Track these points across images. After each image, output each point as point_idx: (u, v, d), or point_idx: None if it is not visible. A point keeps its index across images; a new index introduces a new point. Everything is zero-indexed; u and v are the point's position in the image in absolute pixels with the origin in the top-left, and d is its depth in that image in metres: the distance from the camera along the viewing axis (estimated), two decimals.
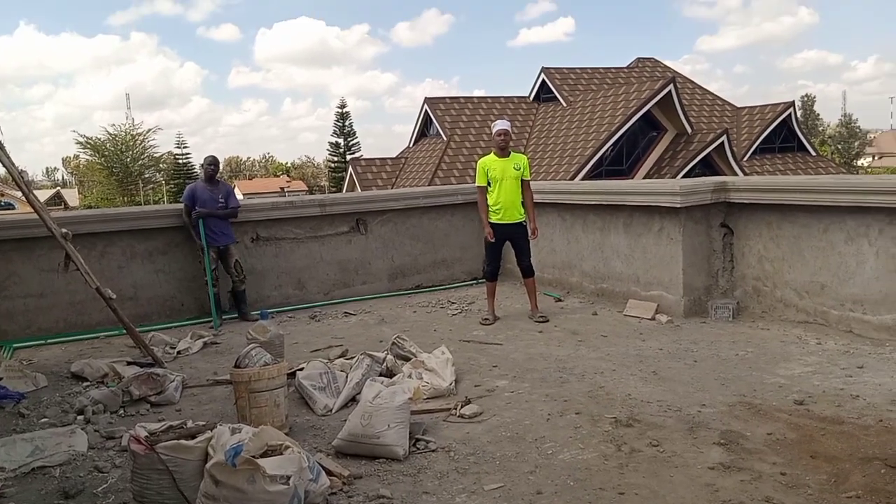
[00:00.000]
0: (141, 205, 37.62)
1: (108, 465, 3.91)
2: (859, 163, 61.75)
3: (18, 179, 5.82)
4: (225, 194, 7.36)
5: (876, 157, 70.25)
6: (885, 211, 5.46)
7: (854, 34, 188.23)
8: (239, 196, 7.94)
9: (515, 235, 6.90)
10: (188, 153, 50.55)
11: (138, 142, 46.63)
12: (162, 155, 50.17)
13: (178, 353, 6.27)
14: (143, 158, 47.55)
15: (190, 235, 7.50)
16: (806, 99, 67.41)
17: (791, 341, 5.76)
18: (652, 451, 3.82)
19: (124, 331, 6.14)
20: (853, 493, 3.25)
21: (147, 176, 49.33)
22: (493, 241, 6.82)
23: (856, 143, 65.16)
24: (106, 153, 45.20)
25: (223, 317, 7.37)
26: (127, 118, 55.72)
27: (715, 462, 3.65)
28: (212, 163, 7.50)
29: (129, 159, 45.82)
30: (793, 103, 31.45)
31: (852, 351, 5.41)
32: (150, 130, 47.48)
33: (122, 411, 4.81)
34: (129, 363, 5.70)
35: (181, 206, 7.40)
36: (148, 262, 7.42)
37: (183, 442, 3.08)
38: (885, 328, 5.54)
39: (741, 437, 3.94)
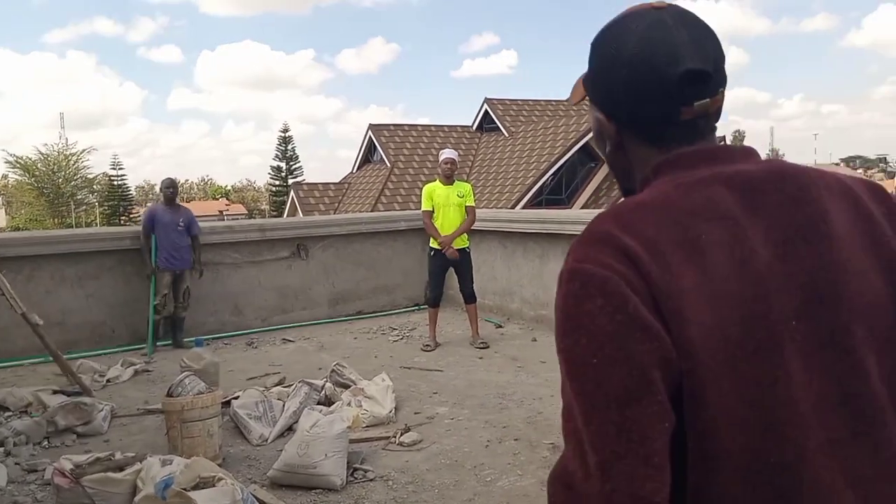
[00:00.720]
0: (72, 227, 36.36)
1: (29, 500, 3.72)
2: None
3: None
4: (186, 220, 7.22)
5: None
6: None
7: (781, 74, 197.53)
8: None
9: (459, 261, 6.94)
10: (124, 175, 49.20)
11: (71, 162, 45.17)
12: (96, 176, 48.71)
13: (108, 381, 6.05)
14: (76, 179, 46.03)
15: (124, 259, 7.29)
16: (737, 134, 70.52)
17: None
18: None
19: (51, 358, 5.90)
20: None
21: (80, 197, 47.76)
22: (448, 251, 6.80)
23: None
24: (37, 173, 43.62)
25: (157, 344, 7.16)
26: (61, 138, 54.04)
27: None
28: (169, 185, 7.37)
29: (61, 180, 44.31)
30: (724, 138, 32.75)
31: None
32: (84, 151, 46.02)
33: (46, 443, 4.60)
34: (54, 392, 5.46)
35: (114, 230, 7.24)
36: (78, 286, 7.16)
37: (110, 475, 2.97)
38: None
39: None
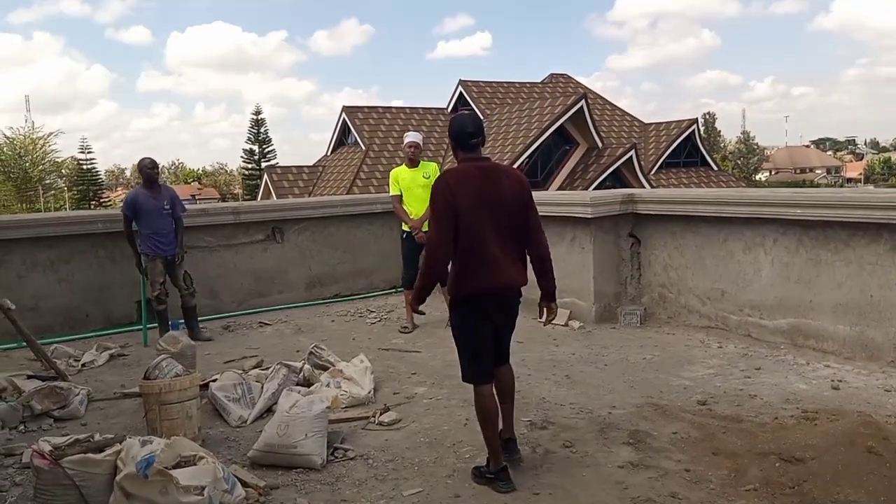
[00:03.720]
0: (41, 211, 35.69)
1: (7, 484, 3.71)
2: (757, 177, 65.35)
3: None
4: (170, 200, 6.75)
5: (772, 172, 74.55)
6: (779, 222, 5.83)
7: (752, 57, 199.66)
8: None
9: None
10: (93, 158, 48.38)
11: (38, 146, 44.26)
12: (65, 160, 47.83)
13: (83, 365, 6.01)
14: (44, 163, 45.14)
15: (97, 243, 7.21)
16: (708, 116, 71.05)
17: (694, 345, 6.05)
18: (565, 452, 3.95)
19: (24, 343, 5.83)
20: (751, 486, 3.45)
21: (48, 182, 46.86)
22: (416, 235, 6.83)
23: (754, 159, 69.01)
24: (2, 157, 42.68)
25: (143, 329, 6.97)
26: (27, 121, 52.88)
27: (624, 461, 3.80)
28: (152, 166, 6.77)
29: (28, 164, 43.41)
30: (696, 120, 33.08)
31: (750, 353, 5.74)
32: (51, 134, 45.12)
33: (22, 427, 4.58)
34: (29, 377, 5.41)
35: (86, 213, 7.07)
36: (50, 271, 7.08)
37: (90, 455, 2.97)
38: (779, 332, 5.90)
39: (648, 436, 4.11)
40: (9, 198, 42.58)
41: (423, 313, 4.22)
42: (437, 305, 7.80)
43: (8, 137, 42.90)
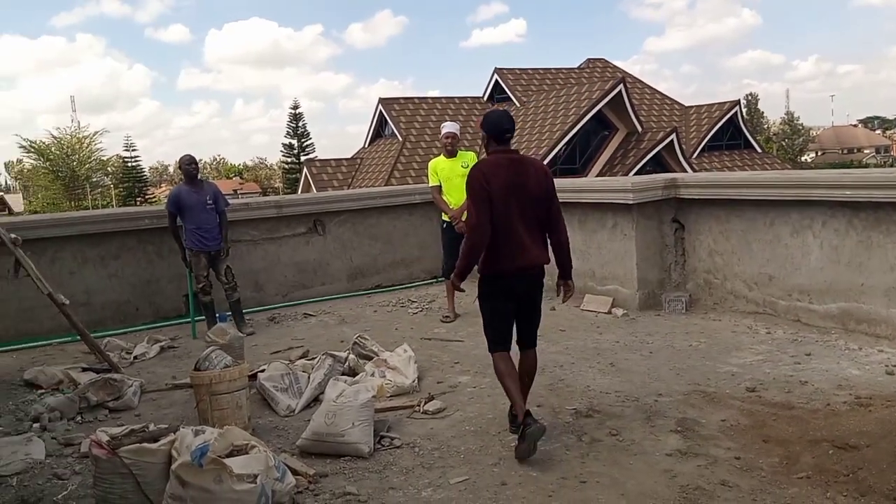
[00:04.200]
0: (89, 209, 36.67)
1: (68, 472, 3.84)
2: (803, 159, 63.80)
3: None
4: (213, 195, 6.83)
5: (818, 154, 72.62)
6: (828, 204, 5.69)
7: (795, 35, 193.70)
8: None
9: None
10: (137, 156, 49.46)
11: (85, 145, 45.42)
12: (110, 158, 49.01)
13: (135, 358, 6.18)
14: (91, 162, 46.33)
15: (144, 238, 7.37)
16: (750, 97, 69.39)
17: (742, 331, 5.95)
18: (612, 441, 3.93)
19: (78, 337, 6.02)
20: (804, 474, 3.39)
21: (95, 180, 48.09)
22: (456, 225, 6.84)
23: (799, 140, 67.28)
24: (51, 157, 43.90)
25: (191, 321, 7.11)
26: (72, 121, 54.28)
27: (672, 449, 3.77)
28: (190, 162, 6.89)
29: (75, 163, 44.59)
30: (738, 102, 32.37)
31: (800, 339, 5.62)
32: (96, 133, 46.31)
33: (79, 418, 4.72)
34: (84, 369, 5.60)
35: (133, 210, 7.23)
36: (100, 266, 7.27)
37: (146, 445, 3.06)
38: (830, 316, 5.77)
39: (696, 424, 4.07)
40: (58, 196, 43.84)
41: (464, 290, 4.29)
42: (476, 294, 7.82)
43: (55, 137, 44.15)
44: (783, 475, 3.41)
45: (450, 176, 6.88)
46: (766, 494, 3.25)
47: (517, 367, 4.03)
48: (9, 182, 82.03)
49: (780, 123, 70.81)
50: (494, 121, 4.00)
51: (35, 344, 6.74)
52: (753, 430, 3.93)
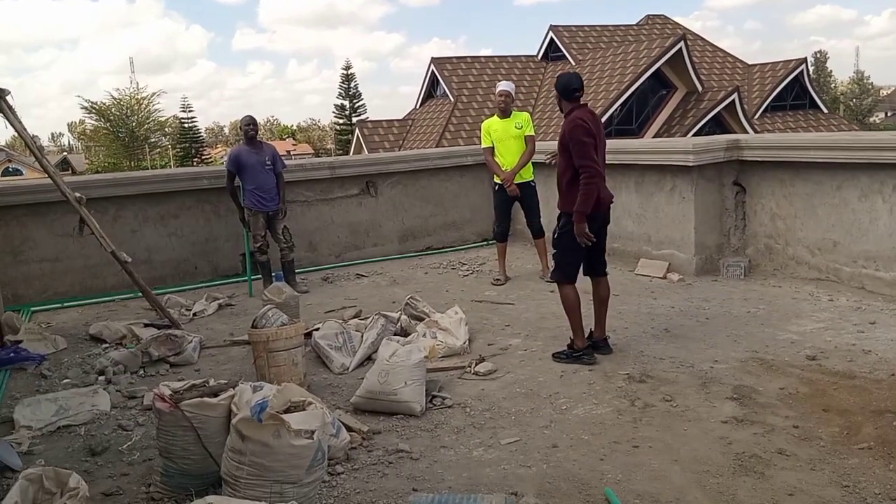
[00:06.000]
0: (147, 169, 37.58)
1: (132, 424, 4.01)
2: (871, 120, 60.95)
3: (31, 145, 5.83)
4: (271, 157, 6.91)
5: (887, 114, 69.28)
6: None
7: None
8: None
9: (524, 196, 6.89)
10: (193, 117, 50.17)
11: (143, 106, 46.31)
12: (167, 119, 49.91)
13: (194, 314, 6.35)
14: (149, 123, 47.27)
15: (202, 198, 7.52)
16: (819, 55, 66.32)
17: (803, 298, 5.78)
18: (665, 406, 3.88)
19: (139, 293, 6.21)
20: (865, 445, 3.30)
21: (153, 140, 49.12)
22: (508, 187, 6.78)
23: (868, 100, 64.24)
24: (111, 118, 44.94)
25: (248, 280, 7.24)
26: (131, 82, 55.33)
27: (728, 416, 3.70)
28: (249, 122, 6.94)
29: (134, 124, 45.56)
30: (805, 60, 30.96)
31: (864, 307, 5.43)
32: (154, 94, 47.09)
33: (141, 371, 4.90)
34: (146, 325, 5.79)
35: (192, 170, 7.34)
36: (160, 225, 7.46)
37: (207, 399, 3.14)
38: None
39: (753, 391, 3.98)
40: (118, 156, 44.99)
41: (593, 239, 4.60)
42: (528, 258, 7.78)
43: (115, 98, 45.06)
44: (844, 445, 3.33)
45: (503, 137, 6.79)
46: (825, 464, 3.18)
47: (596, 295, 4.78)
48: (72, 142, 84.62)
49: (849, 83, 67.69)
50: (565, 82, 4.62)
51: (99, 300, 6.99)
52: (813, 399, 3.84)
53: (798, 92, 30.04)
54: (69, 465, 3.45)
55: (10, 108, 5.57)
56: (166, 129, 50.61)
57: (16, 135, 5.91)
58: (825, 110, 31.36)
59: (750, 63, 31.96)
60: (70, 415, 4.09)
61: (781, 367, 4.33)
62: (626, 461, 3.32)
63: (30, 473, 2.62)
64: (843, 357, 4.44)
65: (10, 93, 5.61)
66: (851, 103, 61.12)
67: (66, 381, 4.77)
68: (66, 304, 6.87)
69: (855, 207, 5.80)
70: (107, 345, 5.51)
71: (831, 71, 67.28)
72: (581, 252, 4.60)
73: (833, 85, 66.10)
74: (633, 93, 24.15)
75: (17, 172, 42.83)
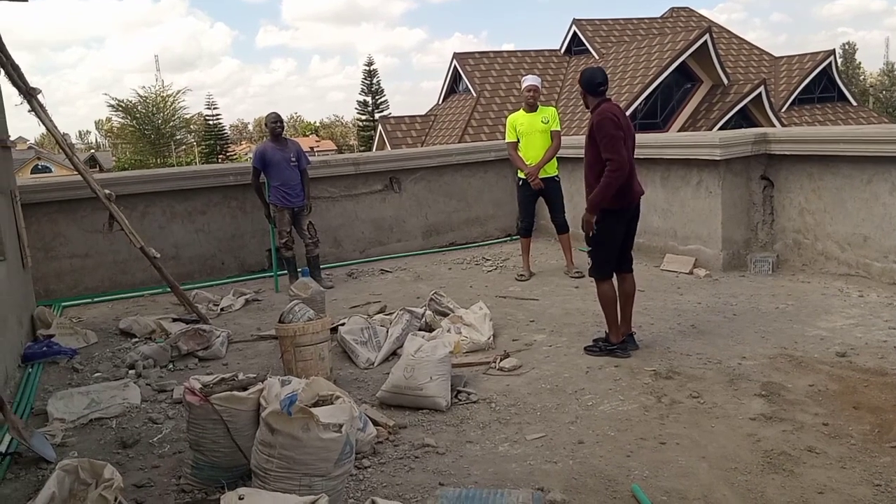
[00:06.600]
0: (174, 166, 37.98)
1: (162, 417, 4.07)
2: None
3: (62, 142, 5.94)
4: (296, 154, 6.96)
5: None
6: None
7: None
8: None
9: (548, 191, 6.87)
10: (218, 114, 50.73)
11: (169, 103, 46.80)
12: (192, 116, 50.37)
13: (222, 309, 6.42)
14: (174, 120, 47.75)
15: (229, 195, 7.60)
16: (847, 47, 65.20)
17: (832, 294, 5.70)
18: (692, 403, 3.86)
19: (168, 289, 6.30)
20: None
21: (178, 137, 49.62)
22: (532, 182, 6.76)
23: None
24: (137, 115, 45.47)
25: (274, 275, 7.28)
26: (157, 80, 55.91)
27: (756, 413, 3.67)
28: (275, 120, 6.98)
29: (160, 121, 46.06)
30: (833, 52, 30.45)
31: (895, 303, 5.35)
32: (179, 92, 47.66)
33: (171, 366, 4.97)
34: (174, 320, 5.87)
35: (218, 167, 7.42)
36: (188, 221, 7.55)
37: (236, 393, 3.18)
38: None
39: (782, 388, 3.95)
40: (144, 153, 45.53)
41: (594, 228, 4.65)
42: (552, 254, 7.76)
43: (141, 96, 45.56)
44: (874, 443, 3.28)
45: (529, 131, 6.78)
46: (855, 462, 3.14)
47: (622, 290, 4.74)
48: (99, 140, 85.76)
49: (878, 74, 66.43)
50: (589, 76, 4.58)
51: (128, 295, 7.10)
52: (843, 396, 3.79)
53: (826, 84, 29.56)
54: (101, 457, 3.52)
55: (41, 106, 5.67)
56: (191, 127, 51.10)
57: (45, 133, 6.01)
58: (854, 103, 30.81)
59: (777, 55, 31.50)
60: (102, 408, 4.16)
61: (810, 363, 4.28)
62: (652, 458, 3.30)
63: (66, 465, 2.68)
64: (874, 354, 4.38)
65: (40, 91, 5.72)
66: (881, 95, 60.03)
67: (97, 374, 4.86)
68: (95, 300, 6.99)
69: (886, 202, 5.70)
70: (136, 339, 5.60)
71: (860, 63, 66.17)
72: (615, 246, 4.63)
73: (862, 77, 64.94)
74: (657, 86, 23.91)
75: (46, 170, 43.57)
